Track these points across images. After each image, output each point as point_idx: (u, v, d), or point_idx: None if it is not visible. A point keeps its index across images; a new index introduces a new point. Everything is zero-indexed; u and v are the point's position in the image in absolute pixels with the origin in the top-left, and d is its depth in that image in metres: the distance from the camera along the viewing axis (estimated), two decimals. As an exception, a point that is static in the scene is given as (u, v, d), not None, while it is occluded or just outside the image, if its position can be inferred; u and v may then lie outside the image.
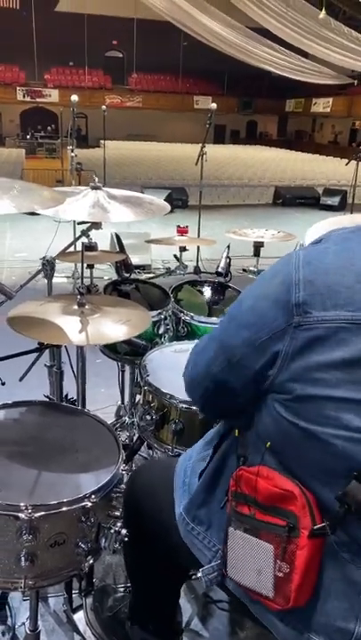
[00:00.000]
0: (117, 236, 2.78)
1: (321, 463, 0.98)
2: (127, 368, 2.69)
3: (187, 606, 1.90)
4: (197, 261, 6.42)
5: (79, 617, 1.80)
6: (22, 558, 1.27)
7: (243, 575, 1.09)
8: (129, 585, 1.88)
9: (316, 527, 0.98)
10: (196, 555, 1.25)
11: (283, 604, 1.02)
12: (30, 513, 1.25)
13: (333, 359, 0.94)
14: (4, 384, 1.97)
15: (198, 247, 6.27)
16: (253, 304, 1.06)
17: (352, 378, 0.93)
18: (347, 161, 8.92)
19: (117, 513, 1.43)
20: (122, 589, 1.90)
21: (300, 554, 0.98)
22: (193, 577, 1.92)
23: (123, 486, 1.46)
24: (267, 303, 1.01)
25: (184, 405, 1.76)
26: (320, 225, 1.67)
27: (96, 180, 2.00)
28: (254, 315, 1.03)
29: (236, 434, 1.14)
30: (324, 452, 0.96)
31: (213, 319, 2.35)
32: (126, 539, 1.37)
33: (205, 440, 1.36)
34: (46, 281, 2.19)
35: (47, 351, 2.16)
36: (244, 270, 2.83)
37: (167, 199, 9.13)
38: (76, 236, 2.10)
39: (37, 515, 1.26)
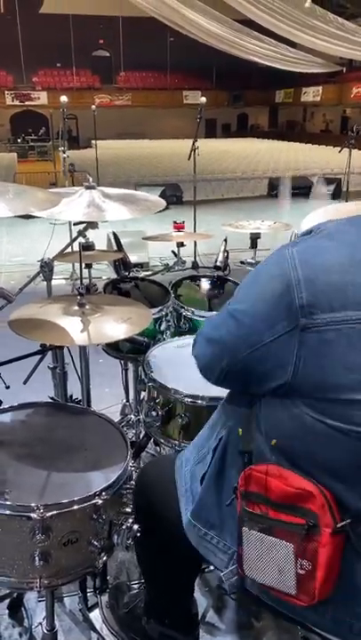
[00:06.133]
0: (115, 235, 2.78)
1: (342, 460, 0.97)
2: (130, 366, 2.70)
3: (201, 599, 1.91)
4: (195, 256, 6.41)
5: (95, 615, 1.81)
6: (36, 558, 1.28)
7: (262, 574, 1.08)
8: (143, 581, 1.89)
9: (339, 525, 0.97)
10: (212, 560, 1.24)
11: (307, 601, 1.02)
12: (42, 513, 1.26)
13: (350, 364, 0.90)
14: (8, 387, 1.99)
15: (195, 242, 6.27)
16: (252, 306, 1.02)
17: None
18: (339, 149, 8.92)
19: (128, 509, 1.44)
20: (136, 586, 1.91)
21: (323, 551, 0.98)
22: (206, 570, 1.94)
23: (132, 482, 1.47)
24: (266, 305, 0.98)
25: (189, 400, 1.76)
26: (316, 214, 1.67)
27: (90, 179, 2.00)
28: (255, 317, 1.00)
29: (240, 433, 1.13)
30: (348, 449, 0.95)
31: (214, 313, 2.35)
32: (138, 534, 1.38)
33: (199, 443, 1.34)
34: (45, 283, 2.19)
35: (50, 353, 2.17)
36: (242, 263, 2.83)
37: (161, 196, 9.07)
38: (73, 236, 2.11)
39: (49, 514, 1.27)
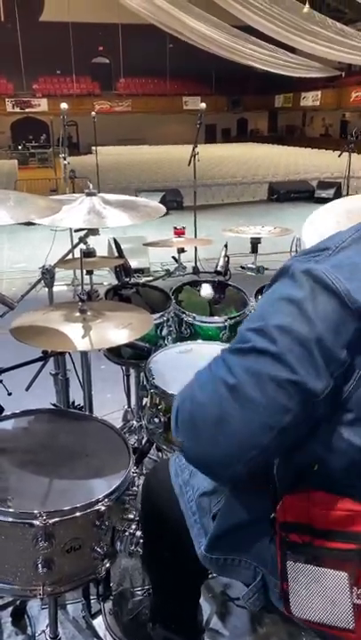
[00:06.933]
0: (116, 241, 2.79)
1: None
2: (132, 372, 2.70)
3: (205, 605, 1.90)
4: (195, 262, 6.42)
5: (98, 622, 1.81)
6: (39, 565, 1.28)
7: (312, 611, 1.00)
8: (147, 588, 1.89)
9: None
10: (236, 579, 1.22)
11: None
12: (45, 520, 1.26)
13: None
14: (10, 394, 1.99)
15: (196, 247, 6.28)
16: (312, 331, 0.89)
17: None
18: (339, 153, 8.95)
19: (131, 515, 1.43)
20: (140, 592, 1.91)
21: None
22: (210, 576, 1.94)
23: (135, 489, 1.46)
24: (325, 322, 0.89)
25: (191, 405, 1.76)
26: (315, 215, 1.68)
27: (91, 186, 2.01)
28: (313, 338, 0.89)
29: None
30: None
31: (216, 318, 2.36)
32: (142, 540, 1.38)
33: (200, 475, 1.28)
34: (47, 290, 2.20)
35: (51, 360, 2.18)
36: (242, 268, 2.84)
37: (161, 201, 9.14)
38: (74, 243, 2.11)
39: (52, 521, 1.27)
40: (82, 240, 2.03)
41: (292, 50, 22.14)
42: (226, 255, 2.59)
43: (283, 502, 1.03)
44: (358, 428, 0.92)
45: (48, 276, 2.10)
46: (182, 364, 2.01)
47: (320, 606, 0.99)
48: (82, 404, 2.31)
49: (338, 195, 11.70)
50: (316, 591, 0.99)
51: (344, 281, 0.90)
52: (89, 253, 2.27)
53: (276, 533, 1.05)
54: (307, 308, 0.90)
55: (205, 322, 2.32)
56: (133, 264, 3.31)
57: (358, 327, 0.89)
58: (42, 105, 28.26)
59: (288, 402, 0.89)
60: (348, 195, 9.09)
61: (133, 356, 2.33)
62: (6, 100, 28.31)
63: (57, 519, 1.28)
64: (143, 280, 2.86)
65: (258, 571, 1.17)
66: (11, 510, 1.29)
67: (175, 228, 2.91)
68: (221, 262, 2.58)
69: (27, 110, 28.50)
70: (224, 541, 1.21)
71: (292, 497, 1.02)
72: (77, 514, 1.30)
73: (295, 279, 0.94)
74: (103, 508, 1.33)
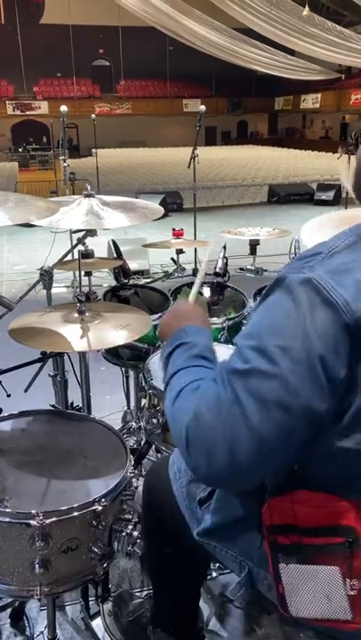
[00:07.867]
0: (114, 243, 2.79)
1: None
2: (131, 373, 2.71)
3: (204, 607, 1.90)
4: (196, 263, 6.43)
5: (97, 623, 1.80)
6: (36, 565, 1.28)
7: (310, 608, 1.02)
8: (146, 589, 1.89)
9: None
10: (227, 566, 1.25)
11: None
12: (42, 520, 1.26)
13: None
14: (9, 396, 1.99)
15: (195, 249, 6.29)
16: (307, 349, 0.87)
17: None
18: (338, 155, 8.97)
19: (128, 516, 1.43)
20: (139, 595, 1.91)
21: None
22: (208, 578, 1.94)
23: (133, 489, 1.47)
24: (324, 339, 0.87)
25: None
26: (315, 221, 1.68)
27: (88, 187, 2.01)
28: (315, 357, 0.87)
29: None
30: None
31: (214, 319, 2.36)
32: (140, 540, 1.38)
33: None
34: (45, 291, 2.21)
35: (50, 361, 2.18)
36: (241, 269, 2.85)
37: (162, 204, 9.12)
38: (73, 244, 2.12)
39: (49, 521, 1.27)
40: (80, 241, 2.03)
41: (291, 52, 22.18)
42: (224, 257, 2.59)
43: (268, 505, 1.03)
44: (352, 435, 0.91)
45: (46, 277, 2.10)
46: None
47: (317, 602, 1.00)
48: (80, 405, 2.31)
49: (338, 197, 11.70)
50: (312, 589, 1.00)
51: (339, 289, 0.88)
52: (87, 255, 2.27)
53: (264, 537, 1.05)
54: (305, 324, 0.88)
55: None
56: (133, 266, 3.32)
57: (356, 340, 0.87)
58: (42, 107, 28.31)
59: (294, 424, 0.88)
60: (347, 197, 9.09)
61: (132, 357, 2.33)
62: (7, 102, 28.36)
63: (54, 519, 1.28)
64: (142, 281, 2.86)
65: (243, 565, 1.19)
66: (8, 510, 1.29)
67: (173, 229, 2.92)
68: (220, 264, 2.58)
69: (27, 113, 28.54)
70: (213, 530, 1.23)
71: (276, 499, 1.02)
72: (74, 514, 1.31)
73: (291, 292, 0.91)
74: (100, 508, 1.33)
